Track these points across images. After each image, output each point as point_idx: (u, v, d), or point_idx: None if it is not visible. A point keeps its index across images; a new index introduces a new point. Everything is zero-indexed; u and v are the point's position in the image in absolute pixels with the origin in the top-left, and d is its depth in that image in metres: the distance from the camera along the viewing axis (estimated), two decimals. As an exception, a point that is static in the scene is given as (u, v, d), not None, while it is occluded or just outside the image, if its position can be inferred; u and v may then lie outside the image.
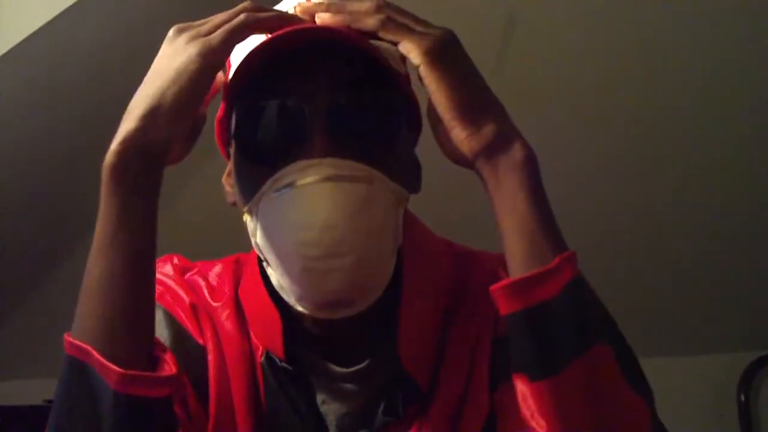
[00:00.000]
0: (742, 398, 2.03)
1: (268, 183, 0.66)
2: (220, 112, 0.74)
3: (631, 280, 1.96)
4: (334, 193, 0.64)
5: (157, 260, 0.75)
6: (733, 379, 2.05)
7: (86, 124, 1.85)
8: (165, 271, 0.79)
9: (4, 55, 1.49)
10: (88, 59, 1.67)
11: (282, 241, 0.66)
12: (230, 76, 0.70)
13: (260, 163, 0.68)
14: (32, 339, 2.33)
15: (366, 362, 0.73)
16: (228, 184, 0.76)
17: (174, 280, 0.78)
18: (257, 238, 0.69)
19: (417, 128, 0.77)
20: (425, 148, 0.79)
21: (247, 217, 0.70)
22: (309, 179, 0.64)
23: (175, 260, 0.81)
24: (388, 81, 0.70)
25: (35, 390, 2.18)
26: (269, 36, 0.66)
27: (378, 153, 0.67)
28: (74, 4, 1.46)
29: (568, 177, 1.94)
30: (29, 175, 1.94)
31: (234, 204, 0.74)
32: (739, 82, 1.75)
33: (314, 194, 0.64)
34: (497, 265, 0.75)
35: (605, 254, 1.80)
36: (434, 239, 0.80)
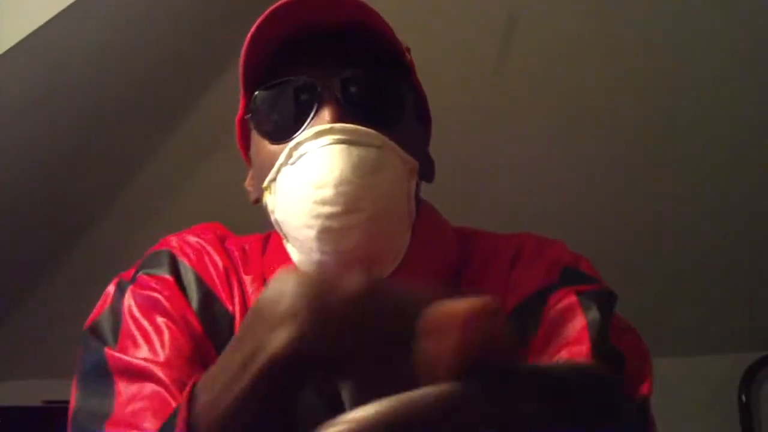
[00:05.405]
0: (743, 399, 2.03)
1: (284, 153, 0.69)
2: (240, 112, 0.77)
3: (632, 281, 1.95)
4: (345, 154, 0.67)
5: (199, 226, 0.81)
6: (734, 380, 2.05)
7: (85, 124, 1.84)
8: (205, 236, 0.81)
9: (3, 54, 1.49)
10: (87, 59, 1.67)
11: (299, 206, 0.68)
12: (241, 71, 0.73)
13: (278, 141, 0.71)
14: (31, 340, 2.32)
15: None
16: (250, 185, 0.79)
17: (212, 246, 0.80)
18: (276, 213, 0.71)
19: (426, 120, 0.81)
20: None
21: (266, 197, 0.73)
22: (321, 142, 0.67)
23: (218, 230, 0.83)
24: (395, 59, 0.73)
25: (34, 391, 2.18)
26: (266, 17, 0.69)
27: (387, 123, 0.71)
28: (73, 4, 1.46)
29: (569, 178, 1.94)
30: (28, 176, 1.93)
31: (257, 201, 0.76)
32: (744, 83, 1.75)
33: (327, 155, 0.66)
34: (496, 241, 0.80)
35: (606, 254, 1.79)
36: (446, 224, 0.82)
